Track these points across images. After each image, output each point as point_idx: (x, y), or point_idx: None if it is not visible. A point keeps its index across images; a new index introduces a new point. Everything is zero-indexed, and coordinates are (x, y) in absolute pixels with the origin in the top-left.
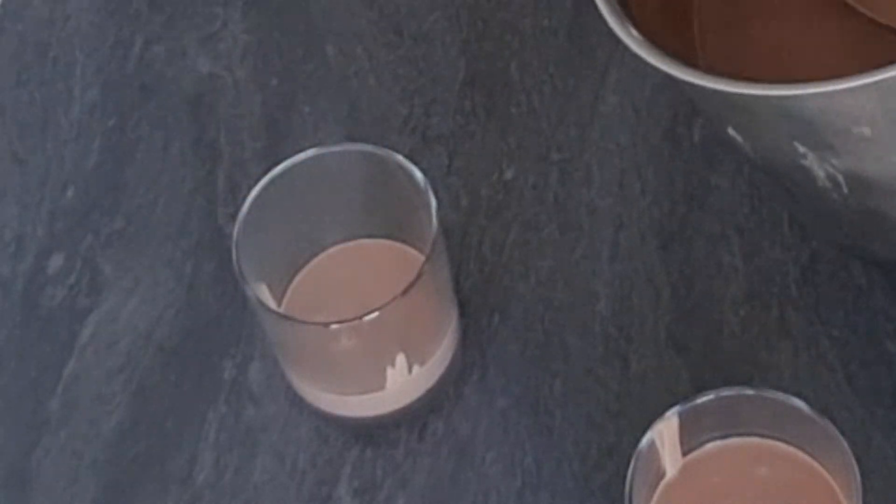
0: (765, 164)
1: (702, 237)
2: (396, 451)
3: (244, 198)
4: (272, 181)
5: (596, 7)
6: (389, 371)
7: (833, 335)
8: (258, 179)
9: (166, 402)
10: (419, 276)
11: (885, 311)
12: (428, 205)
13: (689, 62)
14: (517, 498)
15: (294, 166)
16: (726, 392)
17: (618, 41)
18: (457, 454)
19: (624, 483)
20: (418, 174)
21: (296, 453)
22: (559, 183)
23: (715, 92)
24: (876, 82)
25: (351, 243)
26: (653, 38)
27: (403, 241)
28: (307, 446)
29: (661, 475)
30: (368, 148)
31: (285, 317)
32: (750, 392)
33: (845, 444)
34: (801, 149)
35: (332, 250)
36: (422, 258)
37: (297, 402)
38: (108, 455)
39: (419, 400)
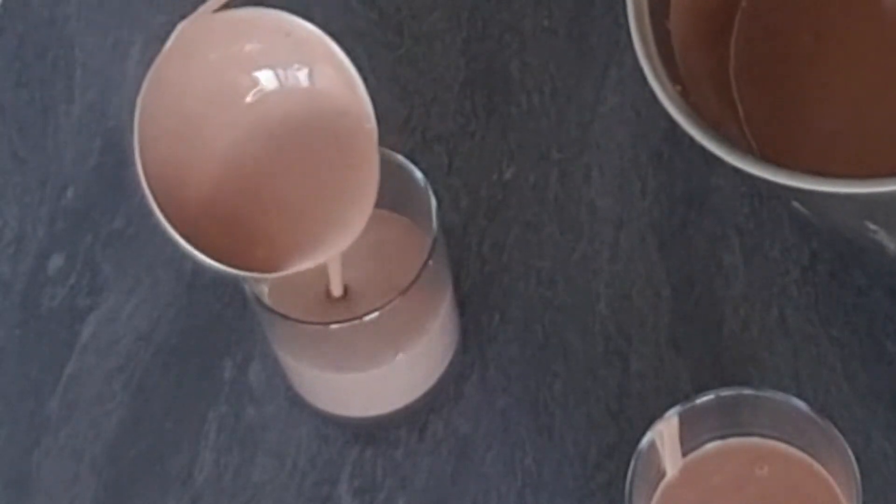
0: (832, 233)
1: (702, 237)
2: (396, 451)
3: None
4: None
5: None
6: (389, 370)
7: (833, 335)
8: None
9: (166, 402)
10: (419, 276)
11: (885, 311)
12: (428, 205)
13: (736, 127)
14: (517, 498)
15: None
16: (726, 392)
17: (617, 42)
18: (457, 454)
19: (624, 483)
20: (418, 174)
21: (296, 453)
22: (559, 183)
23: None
24: None
25: None
26: (698, 100)
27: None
28: (307, 446)
29: (661, 475)
30: None
31: (285, 317)
32: (750, 392)
33: (845, 444)
34: (872, 226)
35: None
36: (422, 258)
37: (297, 402)
38: (108, 455)
39: (419, 400)
